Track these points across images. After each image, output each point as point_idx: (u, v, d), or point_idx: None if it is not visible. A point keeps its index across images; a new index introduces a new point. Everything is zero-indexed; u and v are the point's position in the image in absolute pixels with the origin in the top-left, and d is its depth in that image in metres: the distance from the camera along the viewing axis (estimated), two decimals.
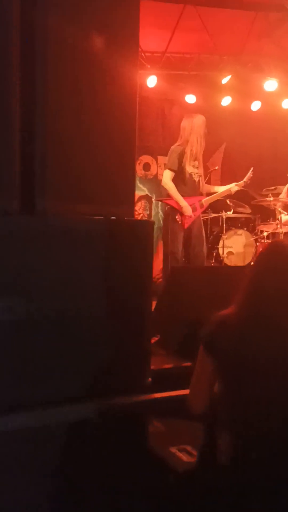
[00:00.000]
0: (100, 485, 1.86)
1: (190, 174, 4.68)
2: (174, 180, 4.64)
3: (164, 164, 5.26)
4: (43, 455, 1.72)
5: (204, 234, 4.94)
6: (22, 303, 1.69)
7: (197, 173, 4.76)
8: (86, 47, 1.91)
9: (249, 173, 5.13)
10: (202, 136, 4.70)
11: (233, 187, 4.99)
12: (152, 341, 3.25)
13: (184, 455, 2.15)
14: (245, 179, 5.10)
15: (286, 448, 1.68)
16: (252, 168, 5.18)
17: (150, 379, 1.93)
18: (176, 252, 4.67)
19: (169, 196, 4.68)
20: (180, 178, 4.64)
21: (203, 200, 4.84)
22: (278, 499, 1.76)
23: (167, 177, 4.63)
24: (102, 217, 1.93)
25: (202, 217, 5.21)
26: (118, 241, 1.86)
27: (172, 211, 4.67)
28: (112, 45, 1.95)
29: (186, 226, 4.68)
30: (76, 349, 1.78)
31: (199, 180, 4.79)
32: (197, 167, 4.74)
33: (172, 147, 4.77)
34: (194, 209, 4.68)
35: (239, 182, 5.07)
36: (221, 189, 5.07)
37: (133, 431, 1.91)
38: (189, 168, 4.67)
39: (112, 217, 1.98)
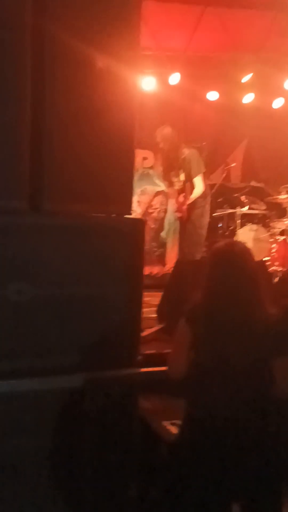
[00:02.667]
0: (93, 453, 2.08)
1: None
2: None
3: None
4: (41, 419, 1.95)
5: (198, 233, 4.87)
6: (28, 287, 1.94)
7: (177, 182, 5.01)
8: (89, 55, 2.08)
9: None
10: (167, 149, 4.83)
11: None
12: (157, 328, 3.54)
13: (174, 428, 2.35)
14: None
15: (253, 410, 1.96)
16: None
17: (140, 356, 2.14)
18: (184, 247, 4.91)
19: None
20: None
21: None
22: (248, 467, 1.95)
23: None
24: (102, 215, 2.15)
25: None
26: (113, 236, 2.09)
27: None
28: (113, 51, 2.11)
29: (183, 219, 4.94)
30: (72, 327, 2.01)
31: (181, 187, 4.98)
32: (176, 176, 4.97)
33: None
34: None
35: None
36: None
37: (127, 404, 2.12)
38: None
39: (112, 215, 2.19)
